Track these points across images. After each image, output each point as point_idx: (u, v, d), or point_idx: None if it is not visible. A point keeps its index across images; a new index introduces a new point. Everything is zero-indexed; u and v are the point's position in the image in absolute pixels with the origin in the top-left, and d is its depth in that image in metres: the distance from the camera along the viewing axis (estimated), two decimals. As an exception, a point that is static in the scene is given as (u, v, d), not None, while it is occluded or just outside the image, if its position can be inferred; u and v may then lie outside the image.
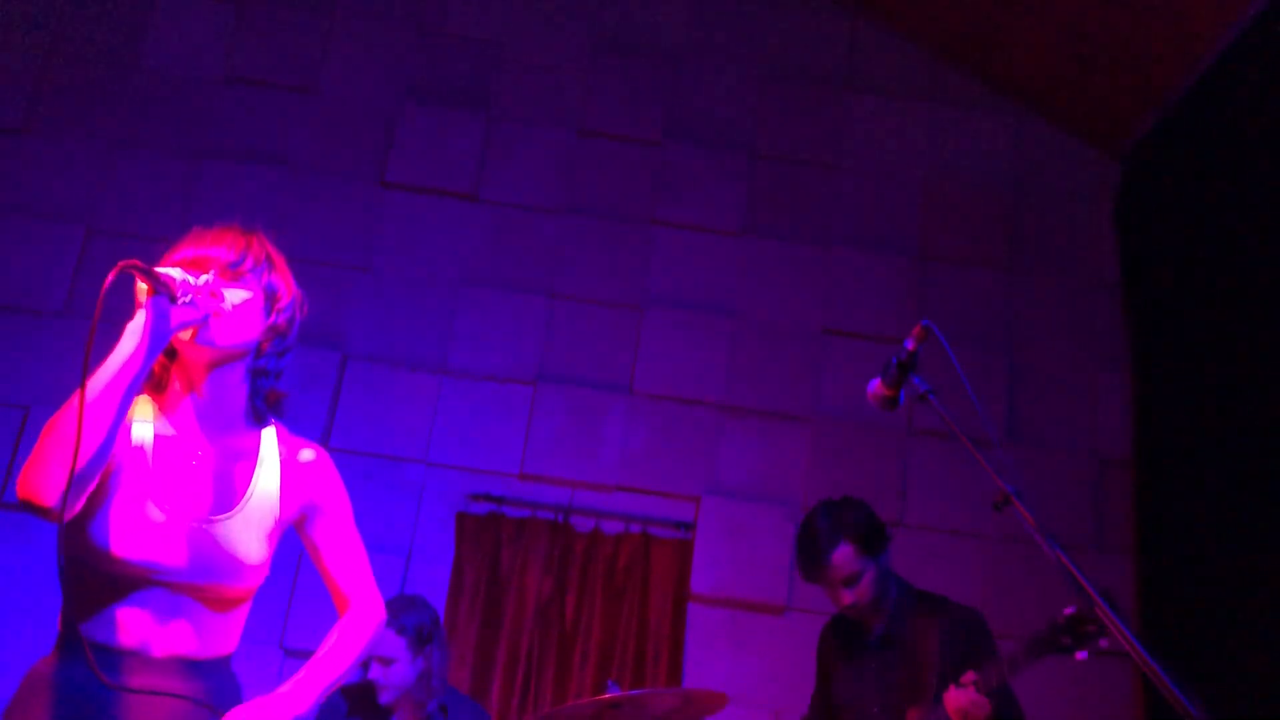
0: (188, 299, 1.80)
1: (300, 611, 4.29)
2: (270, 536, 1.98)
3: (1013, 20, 4.87)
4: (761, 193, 5.02)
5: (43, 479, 1.68)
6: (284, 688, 1.97)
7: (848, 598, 2.94)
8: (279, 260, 2.08)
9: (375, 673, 3.36)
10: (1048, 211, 5.06)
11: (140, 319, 1.78)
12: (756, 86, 5.16)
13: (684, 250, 4.91)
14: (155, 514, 1.85)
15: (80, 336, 4.61)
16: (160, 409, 1.96)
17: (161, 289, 1.77)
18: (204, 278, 1.85)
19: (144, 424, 1.92)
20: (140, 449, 1.89)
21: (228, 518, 1.92)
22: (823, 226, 4.98)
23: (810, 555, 2.96)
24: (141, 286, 1.79)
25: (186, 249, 1.95)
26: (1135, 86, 4.73)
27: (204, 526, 1.88)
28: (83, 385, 1.72)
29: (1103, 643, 2.30)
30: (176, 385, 1.97)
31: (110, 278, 1.70)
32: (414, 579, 4.40)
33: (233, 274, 1.94)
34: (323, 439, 4.44)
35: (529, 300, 4.79)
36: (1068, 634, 2.34)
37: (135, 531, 1.82)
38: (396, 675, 3.36)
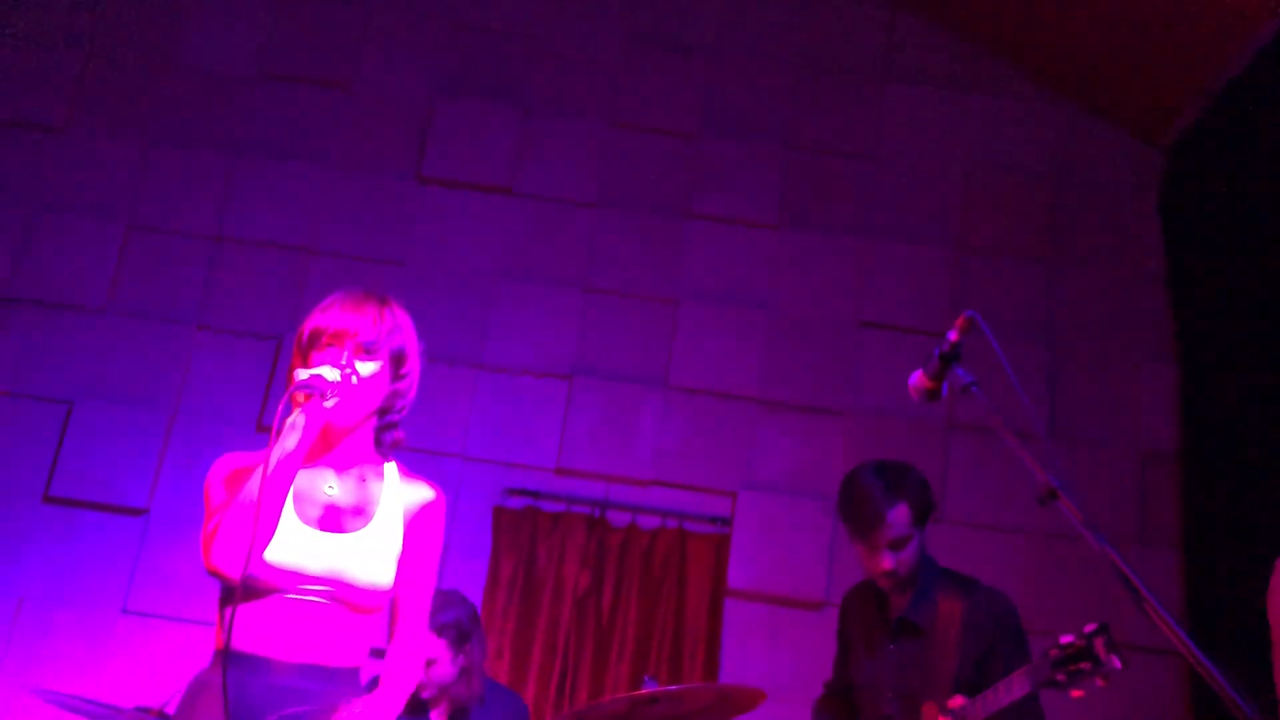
0: (335, 399, 2.06)
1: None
2: (391, 556, 2.17)
3: (1054, 9, 4.80)
4: (798, 185, 4.98)
5: (227, 556, 1.99)
6: (360, 706, 2.12)
7: (888, 563, 2.79)
8: (405, 324, 2.30)
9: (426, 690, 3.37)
10: (1090, 202, 4.99)
11: (299, 419, 2.06)
12: (792, 78, 5.12)
13: (719, 243, 4.88)
14: (297, 527, 2.10)
15: (122, 333, 4.67)
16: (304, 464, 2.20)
17: (315, 394, 2.04)
18: (346, 371, 2.10)
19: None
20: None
21: (360, 531, 2.15)
22: (860, 219, 4.94)
23: (863, 511, 2.81)
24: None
25: (327, 320, 2.17)
26: (1179, 75, 4.65)
27: (340, 538, 2.12)
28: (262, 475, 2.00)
29: (1099, 682, 2.24)
30: (316, 445, 2.20)
31: (281, 406, 2.03)
32: (451, 573, 4.41)
33: (366, 351, 2.16)
34: (360, 434, 4.46)
35: (564, 294, 4.78)
36: (1061, 670, 2.30)
37: (280, 543, 2.06)
38: (438, 674, 3.36)
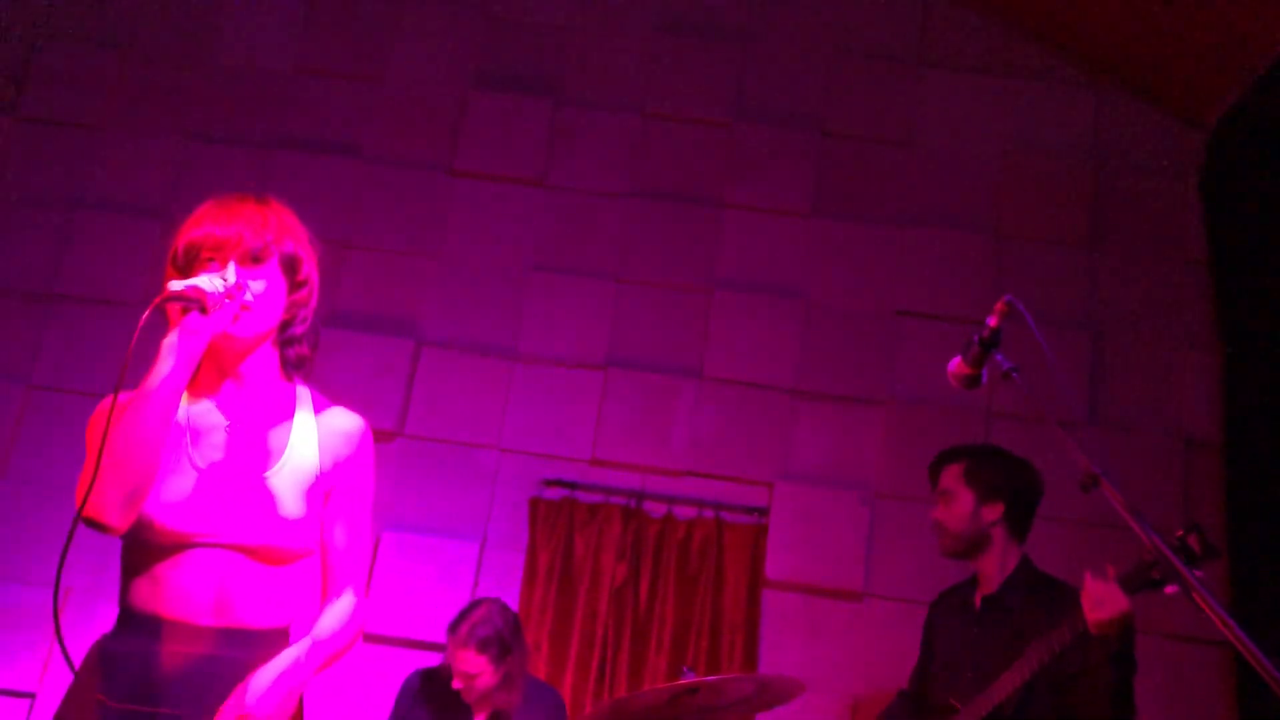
0: (218, 307, 1.82)
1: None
2: (310, 494, 1.95)
3: (1091, -10, 4.73)
4: (833, 172, 4.94)
5: (104, 501, 1.75)
6: (288, 657, 1.89)
7: (933, 513, 3.03)
8: (292, 224, 2.03)
9: (458, 684, 3.38)
10: (1130, 186, 4.91)
11: (175, 338, 1.82)
12: (826, 64, 5.08)
13: (754, 232, 4.86)
14: (190, 477, 1.87)
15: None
16: (191, 390, 1.98)
17: (193, 305, 1.80)
18: (228, 273, 1.85)
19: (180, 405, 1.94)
20: (176, 425, 1.92)
21: (265, 474, 1.91)
22: (896, 206, 4.89)
23: (934, 460, 3.13)
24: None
25: (206, 228, 1.93)
26: (1220, 56, 4.56)
27: (241, 484, 1.89)
28: (114, 403, 1.83)
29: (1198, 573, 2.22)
30: (205, 366, 1.98)
31: (146, 315, 1.78)
32: (488, 565, 4.43)
33: (254, 261, 1.92)
34: (398, 427, 4.48)
35: (598, 285, 4.77)
36: (1155, 569, 2.30)
37: (175, 496, 1.85)
38: (481, 685, 3.39)
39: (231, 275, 1.87)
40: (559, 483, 4.50)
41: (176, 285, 1.80)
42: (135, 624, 1.84)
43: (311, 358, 2.06)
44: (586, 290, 4.77)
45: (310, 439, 1.98)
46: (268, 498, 1.88)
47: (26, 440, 4.52)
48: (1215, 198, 4.77)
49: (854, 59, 5.09)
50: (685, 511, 4.49)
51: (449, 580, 4.36)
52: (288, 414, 2.00)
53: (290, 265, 1.98)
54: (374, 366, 4.57)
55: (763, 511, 4.48)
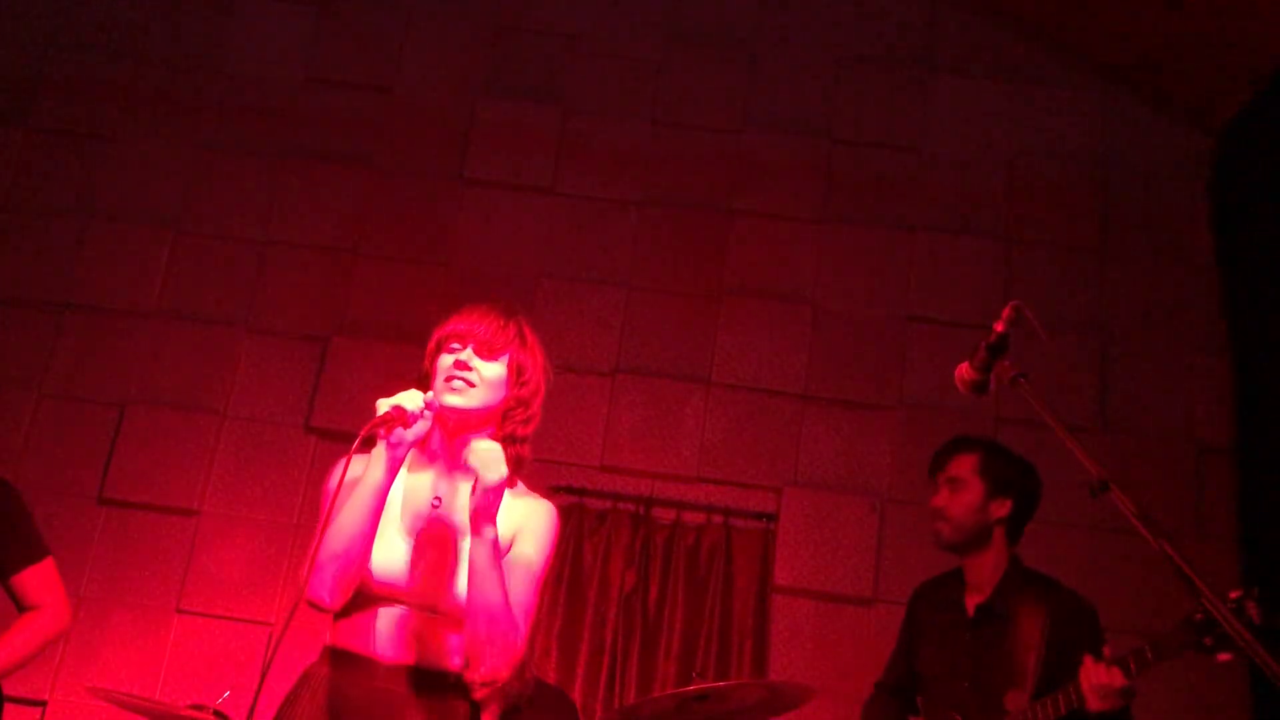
0: (424, 415, 2.10)
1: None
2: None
3: (1099, -5, 4.73)
4: (841, 179, 4.94)
5: (322, 587, 2.06)
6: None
7: (937, 500, 2.97)
8: (532, 340, 2.33)
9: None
10: (1139, 191, 4.90)
11: (382, 452, 2.09)
12: (834, 71, 5.08)
13: (763, 239, 4.86)
14: (400, 543, 2.15)
15: (173, 338, 4.74)
16: (414, 460, 2.26)
17: (396, 424, 2.07)
18: (422, 401, 2.10)
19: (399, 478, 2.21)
20: (395, 494, 2.18)
21: (462, 550, 2.15)
22: (904, 212, 4.89)
23: (941, 448, 3.07)
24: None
25: (452, 324, 2.25)
26: (1229, 60, 4.56)
27: (442, 557, 2.16)
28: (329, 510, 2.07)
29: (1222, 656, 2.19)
30: (432, 441, 2.25)
31: (355, 445, 1.97)
32: (498, 572, 4.42)
33: (488, 351, 2.21)
34: (406, 434, 4.48)
35: (607, 292, 4.78)
36: (1208, 634, 2.24)
37: (384, 560, 2.12)
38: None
39: (431, 398, 2.15)
40: (568, 489, 4.50)
41: (383, 406, 2.07)
42: (339, 657, 2.15)
43: (528, 462, 2.29)
44: (596, 297, 4.77)
45: (507, 518, 2.18)
46: (459, 571, 2.13)
47: (37, 448, 4.54)
48: (1224, 202, 4.76)
49: (862, 65, 5.09)
50: (694, 517, 4.49)
51: (459, 587, 4.36)
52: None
53: (518, 368, 2.26)
54: (384, 375, 4.57)
55: (772, 517, 4.48)
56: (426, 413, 2.11)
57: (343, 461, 2.08)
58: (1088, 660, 2.50)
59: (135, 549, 4.41)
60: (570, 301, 4.77)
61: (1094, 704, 2.47)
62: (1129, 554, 4.21)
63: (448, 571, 2.14)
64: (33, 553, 2.85)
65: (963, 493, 2.94)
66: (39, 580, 2.82)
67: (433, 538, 2.18)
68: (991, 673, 2.76)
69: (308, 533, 4.25)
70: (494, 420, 2.24)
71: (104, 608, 4.33)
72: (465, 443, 2.13)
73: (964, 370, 2.14)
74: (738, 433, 4.60)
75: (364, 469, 2.09)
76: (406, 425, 2.08)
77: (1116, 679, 2.44)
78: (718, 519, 4.47)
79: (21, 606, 2.83)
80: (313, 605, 2.08)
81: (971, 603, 2.95)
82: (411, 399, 2.09)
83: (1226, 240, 4.73)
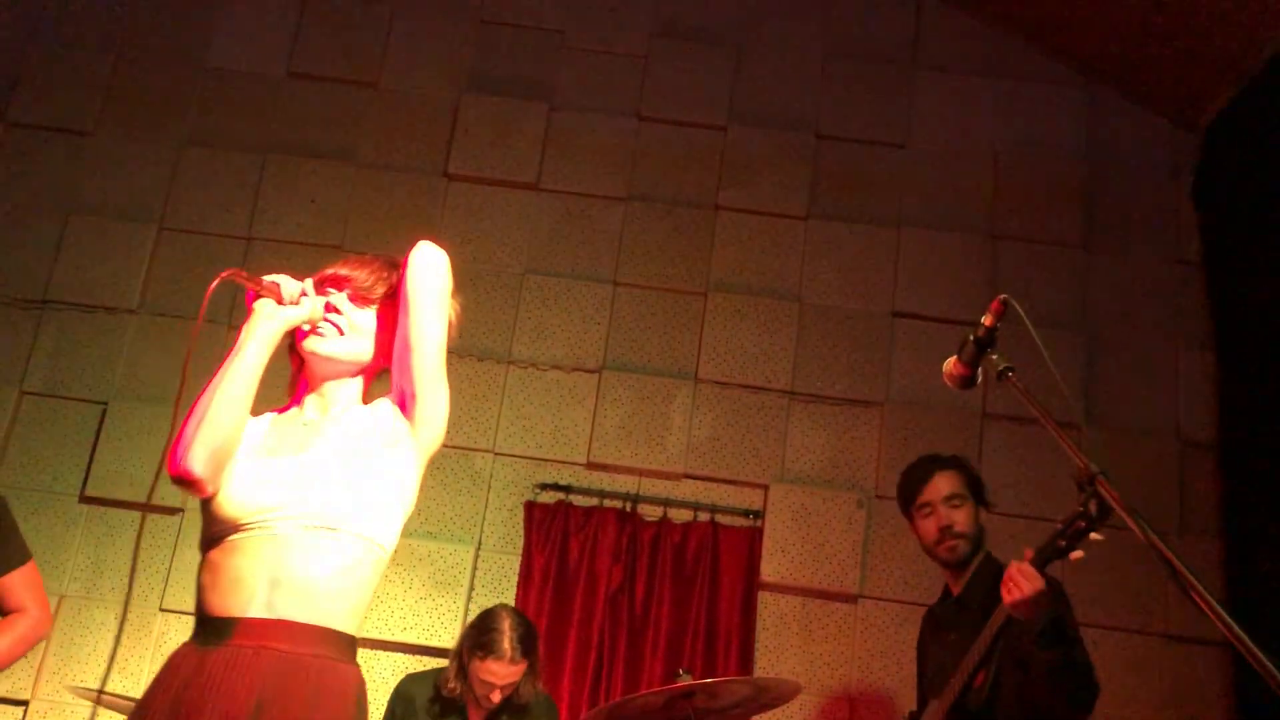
0: (293, 300, 2.04)
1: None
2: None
3: (1084, -9, 4.74)
4: (827, 175, 4.95)
5: (186, 454, 1.89)
6: None
7: (945, 518, 2.99)
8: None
9: (496, 698, 3.37)
10: (1124, 187, 4.92)
11: (255, 322, 2.03)
12: (820, 67, 5.08)
13: (749, 235, 4.86)
14: (260, 461, 1.98)
15: (155, 334, 4.70)
16: (283, 410, 2.15)
17: (265, 294, 2.04)
18: (299, 285, 2.09)
19: (265, 417, 2.11)
20: (258, 428, 2.07)
21: (331, 455, 2.00)
22: (890, 208, 4.89)
23: (913, 475, 3.09)
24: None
25: (330, 268, 2.17)
26: (1212, 57, 4.57)
27: (309, 464, 1.98)
28: (182, 375, 2.01)
29: (1094, 535, 2.27)
30: (300, 389, 2.17)
31: (213, 286, 1.98)
32: (484, 569, 4.41)
33: (363, 296, 2.12)
34: (391, 430, 4.47)
35: (593, 288, 4.77)
36: (1061, 537, 2.37)
37: (243, 478, 1.94)
38: (511, 687, 3.40)
39: (308, 283, 2.10)
40: (554, 486, 4.49)
41: (267, 279, 2.04)
42: (204, 627, 1.93)
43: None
44: (582, 293, 4.76)
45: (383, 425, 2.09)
46: (336, 481, 1.97)
47: (18, 446, 4.50)
48: (1209, 198, 4.77)
49: (847, 61, 5.10)
50: (681, 514, 4.49)
51: (444, 585, 4.35)
52: (367, 416, 2.11)
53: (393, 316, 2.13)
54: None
55: (758, 514, 4.48)
56: (302, 300, 2.06)
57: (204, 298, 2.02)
58: (1012, 564, 2.58)
59: (117, 547, 4.38)
60: (556, 298, 4.75)
61: (1005, 599, 2.55)
62: (1114, 547, 4.22)
63: (325, 483, 1.95)
64: (16, 557, 2.83)
65: (965, 507, 3.03)
66: (22, 584, 2.81)
67: (300, 450, 2.01)
68: (966, 653, 2.80)
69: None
70: (363, 372, 2.15)
71: (86, 606, 4.30)
72: (333, 387, 2.10)
73: (952, 365, 2.14)
74: (724, 429, 4.60)
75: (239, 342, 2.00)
76: (279, 301, 2.05)
77: (1028, 571, 2.52)
78: (704, 516, 4.47)
79: (3, 610, 2.81)
80: (178, 482, 1.91)
81: (954, 603, 3.06)
82: (295, 286, 2.08)
83: (1210, 236, 4.75)
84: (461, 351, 4.63)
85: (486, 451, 4.54)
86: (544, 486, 4.49)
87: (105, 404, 4.55)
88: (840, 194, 4.92)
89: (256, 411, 2.06)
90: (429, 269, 2.14)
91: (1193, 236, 4.82)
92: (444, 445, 4.84)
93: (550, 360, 4.67)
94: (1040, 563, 2.51)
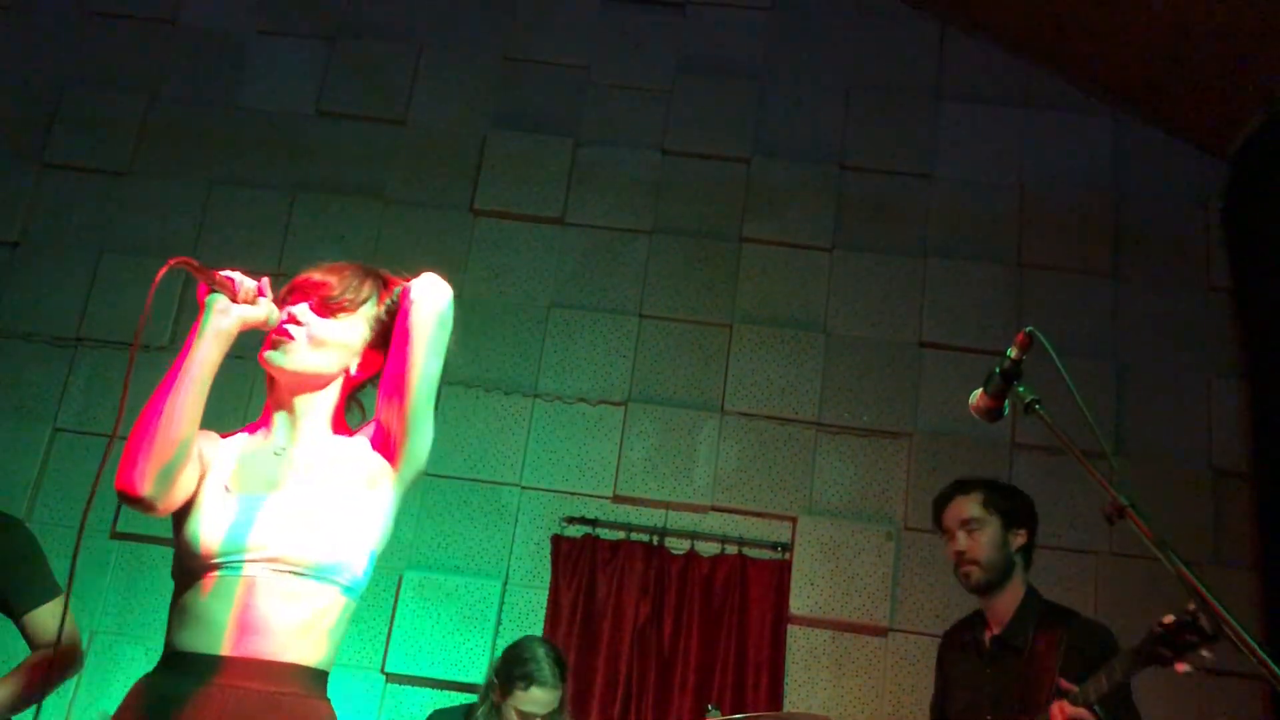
0: (249, 299, 1.90)
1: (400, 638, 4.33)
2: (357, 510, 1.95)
3: (1107, 20, 4.73)
4: (852, 206, 4.95)
5: (131, 470, 1.83)
6: None
7: (955, 546, 2.98)
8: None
9: None
10: (1152, 215, 4.89)
11: (208, 319, 1.91)
12: (844, 99, 5.10)
13: (774, 266, 4.86)
14: (231, 497, 1.91)
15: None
16: (253, 429, 2.05)
17: (218, 288, 1.90)
18: (255, 283, 1.94)
19: (236, 440, 2.02)
20: (228, 454, 1.99)
21: (304, 494, 1.92)
22: (916, 238, 4.89)
23: (937, 499, 3.09)
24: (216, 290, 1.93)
25: (298, 277, 2.04)
26: (1241, 83, 4.55)
27: (281, 503, 1.90)
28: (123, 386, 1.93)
29: (1204, 653, 2.22)
30: (269, 407, 2.06)
31: (160, 273, 1.86)
32: (511, 603, 4.41)
33: (329, 307, 2.00)
34: (419, 465, 4.48)
35: (619, 321, 4.78)
36: (1167, 645, 2.28)
37: (214, 514, 1.88)
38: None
39: (261, 281, 1.95)
40: (581, 520, 4.48)
41: (222, 274, 1.89)
42: (172, 661, 1.87)
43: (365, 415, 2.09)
44: (608, 326, 4.78)
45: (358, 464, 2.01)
46: (304, 517, 1.91)
47: (51, 482, 4.55)
48: (1239, 225, 4.74)
49: (871, 92, 5.11)
50: (708, 548, 4.47)
51: (472, 619, 4.35)
52: (341, 450, 2.02)
53: (373, 330, 2.04)
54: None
55: (786, 547, 4.45)
56: (259, 300, 1.92)
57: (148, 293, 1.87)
58: (1056, 702, 2.53)
59: (148, 584, 4.41)
60: (582, 331, 4.77)
61: None
62: (1146, 579, 4.17)
63: (291, 520, 1.88)
64: (45, 592, 2.84)
65: (983, 531, 2.97)
66: (52, 619, 2.81)
67: (271, 484, 1.93)
68: (1010, 702, 2.75)
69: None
70: (330, 384, 2.04)
71: (118, 641, 4.32)
72: (300, 403, 2.00)
73: (979, 398, 2.13)
74: (751, 461, 4.58)
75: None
76: (233, 296, 1.90)
77: (1081, 715, 2.48)
78: (732, 549, 4.45)
79: (34, 645, 2.82)
80: (124, 498, 1.82)
81: (989, 637, 2.98)
82: (251, 284, 1.92)
83: (1240, 263, 4.71)
84: (488, 385, 4.65)
85: (513, 485, 4.54)
86: (571, 520, 4.49)
87: (137, 440, 4.58)
88: (866, 225, 4.92)
89: (226, 429, 2.02)
90: (429, 305, 2.00)
91: (1222, 264, 4.78)
92: (470, 479, 4.85)
93: (576, 393, 4.68)
94: (1109, 687, 2.46)
